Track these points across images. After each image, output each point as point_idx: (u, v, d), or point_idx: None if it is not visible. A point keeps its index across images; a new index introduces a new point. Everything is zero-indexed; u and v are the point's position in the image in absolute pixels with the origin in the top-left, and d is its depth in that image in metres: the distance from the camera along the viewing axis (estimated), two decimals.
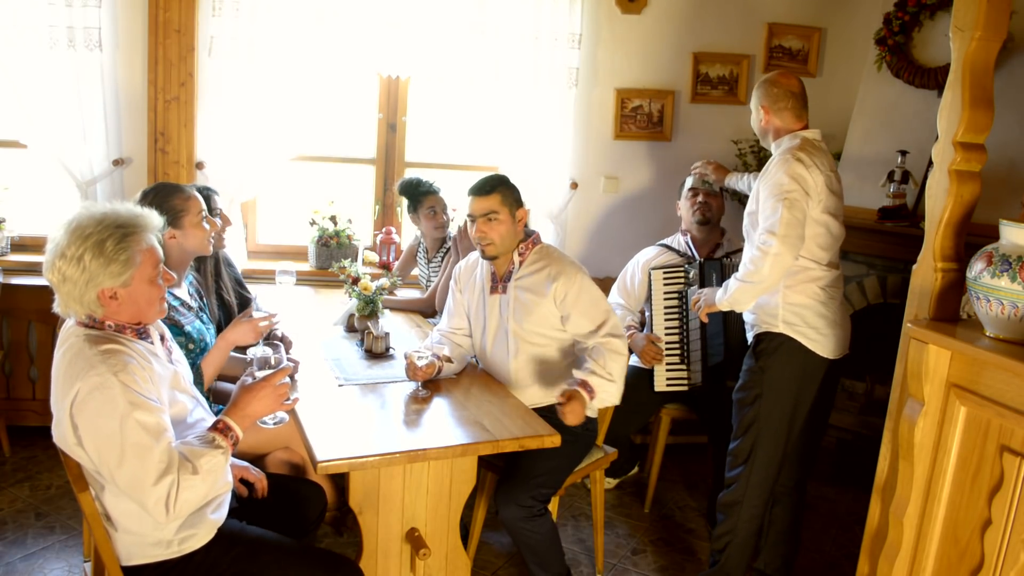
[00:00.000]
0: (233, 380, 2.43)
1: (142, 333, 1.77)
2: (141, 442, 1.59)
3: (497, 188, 2.60)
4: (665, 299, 3.17)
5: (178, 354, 1.96)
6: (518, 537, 2.44)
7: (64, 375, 1.65)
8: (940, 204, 1.85)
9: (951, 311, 1.88)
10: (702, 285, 3.04)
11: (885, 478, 1.95)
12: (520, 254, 2.66)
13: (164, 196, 2.36)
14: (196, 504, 1.66)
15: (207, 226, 2.43)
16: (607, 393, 2.42)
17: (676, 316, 3.15)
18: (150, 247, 1.73)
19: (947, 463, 1.74)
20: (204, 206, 2.45)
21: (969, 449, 1.69)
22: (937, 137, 1.87)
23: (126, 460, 1.58)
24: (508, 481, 2.42)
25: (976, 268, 1.69)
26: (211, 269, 2.88)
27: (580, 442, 2.59)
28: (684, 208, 3.31)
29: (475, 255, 2.82)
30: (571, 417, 2.31)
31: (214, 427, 1.74)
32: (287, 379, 1.86)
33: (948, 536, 1.75)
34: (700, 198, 3.23)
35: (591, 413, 2.53)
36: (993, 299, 1.65)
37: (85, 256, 1.62)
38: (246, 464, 2.15)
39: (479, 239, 2.60)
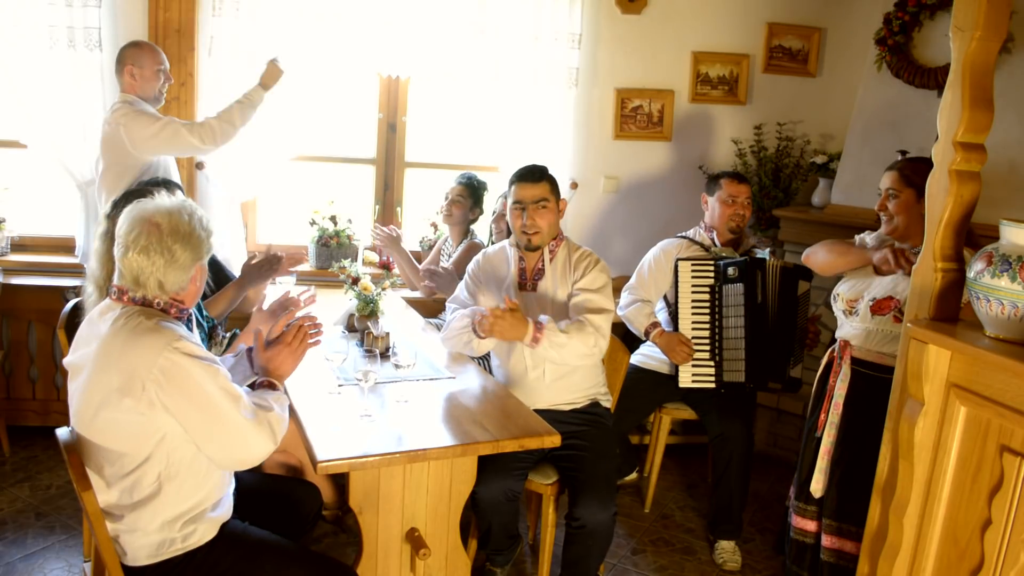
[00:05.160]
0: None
1: (181, 318, 1.84)
2: (231, 392, 1.73)
3: (546, 175, 2.63)
4: (693, 292, 3.09)
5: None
6: (603, 539, 2.44)
7: (122, 350, 1.69)
8: (940, 204, 1.85)
9: (951, 311, 1.88)
10: (747, 285, 2.96)
11: (885, 478, 1.95)
12: (551, 250, 2.66)
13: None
14: (286, 429, 1.85)
15: None
16: (551, 345, 2.44)
17: (706, 311, 3.08)
18: None
19: (947, 463, 1.74)
20: None
21: (969, 449, 1.69)
22: (937, 137, 1.87)
23: (225, 412, 1.71)
24: (589, 490, 2.41)
25: (976, 268, 1.69)
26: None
27: (607, 431, 2.65)
28: (716, 210, 3.17)
29: (496, 248, 2.81)
30: (501, 325, 2.36)
31: (261, 384, 1.91)
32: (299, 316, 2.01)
33: (948, 536, 1.75)
34: (739, 208, 3.13)
35: (546, 355, 2.52)
36: (993, 299, 1.64)
37: (194, 232, 1.78)
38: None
39: (528, 227, 2.59)
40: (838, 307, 2.56)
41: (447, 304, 2.84)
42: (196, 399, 1.68)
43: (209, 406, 1.69)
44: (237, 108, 3.18)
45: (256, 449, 1.77)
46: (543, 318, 2.46)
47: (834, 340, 2.62)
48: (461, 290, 2.81)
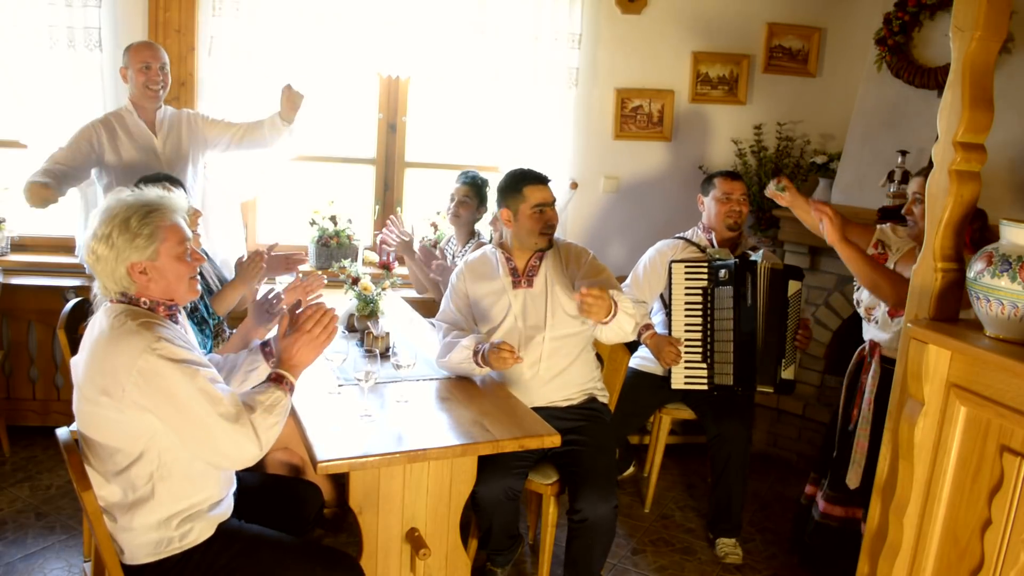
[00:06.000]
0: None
1: (172, 315, 1.83)
2: (209, 394, 1.69)
3: None
4: (686, 294, 3.10)
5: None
6: (605, 533, 2.44)
7: (105, 351, 1.69)
8: (940, 204, 1.85)
9: (951, 311, 1.88)
10: (736, 287, 2.96)
11: (885, 478, 1.95)
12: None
13: None
14: (278, 432, 1.78)
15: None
16: (626, 322, 2.40)
17: (698, 313, 3.08)
18: (174, 224, 1.80)
19: (947, 463, 1.74)
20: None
21: (969, 449, 1.69)
22: (937, 137, 1.87)
23: (201, 414, 1.67)
24: (589, 483, 2.41)
25: (976, 268, 1.69)
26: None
27: (604, 426, 2.65)
28: (712, 210, 3.15)
29: (476, 255, 2.81)
30: (596, 310, 2.28)
31: (268, 378, 1.84)
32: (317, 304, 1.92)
33: (948, 536, 1.75)
34: (734, 205, 3.11)
35: (607, 334, 2.47)
36: (993, 299, 1.65)
37: (112, 233, 1.73)
38: None
39: (549, 227, 2.65)
40: (860, 311, 2.72)
41: (435, 322, 2.78)
42: (173, 401, 1.67)
43: (185, 408, 1.67)
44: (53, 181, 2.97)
45: (236, 452, 1.72)
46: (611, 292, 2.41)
47: (861, 341, 2.73)
48: (447, 304, 2.76)
